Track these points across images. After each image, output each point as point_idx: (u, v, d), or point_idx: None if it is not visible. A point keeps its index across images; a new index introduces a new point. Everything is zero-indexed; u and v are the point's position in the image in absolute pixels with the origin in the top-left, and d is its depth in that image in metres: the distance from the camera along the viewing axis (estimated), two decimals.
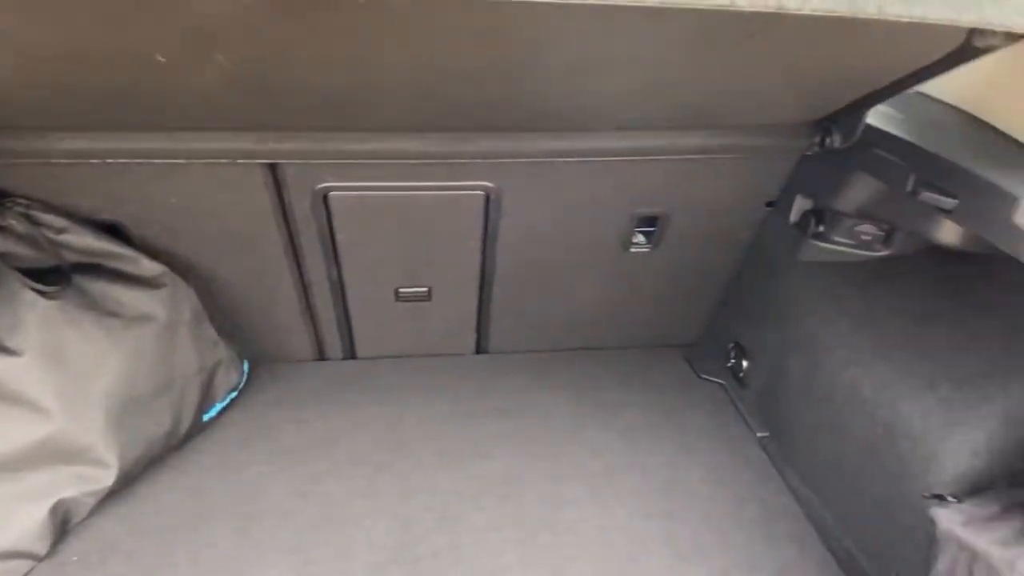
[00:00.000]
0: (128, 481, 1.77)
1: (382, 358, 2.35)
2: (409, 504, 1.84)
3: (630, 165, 1.81)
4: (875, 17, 0.82)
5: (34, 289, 1.63)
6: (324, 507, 1.81)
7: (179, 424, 1.87)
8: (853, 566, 1.72)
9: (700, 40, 1.20)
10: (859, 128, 1.58)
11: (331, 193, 1.79)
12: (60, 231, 1.69)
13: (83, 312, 1.68)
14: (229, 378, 2.03)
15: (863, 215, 1.77)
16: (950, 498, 1.41)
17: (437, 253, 2.04)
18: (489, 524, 1.81)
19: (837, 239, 1.86)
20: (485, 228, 1.96)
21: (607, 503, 1.89)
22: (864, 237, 1.81)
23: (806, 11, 0.79)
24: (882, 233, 1.79)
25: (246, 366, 2.14)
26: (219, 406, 2.02)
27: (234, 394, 2.07)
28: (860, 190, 1.69)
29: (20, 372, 1.58)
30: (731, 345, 2.31)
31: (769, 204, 2.01)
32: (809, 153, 1.76)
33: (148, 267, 1.80)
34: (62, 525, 1.65)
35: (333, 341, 2.27)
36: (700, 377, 2.38)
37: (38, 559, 1.61)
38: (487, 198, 1.87)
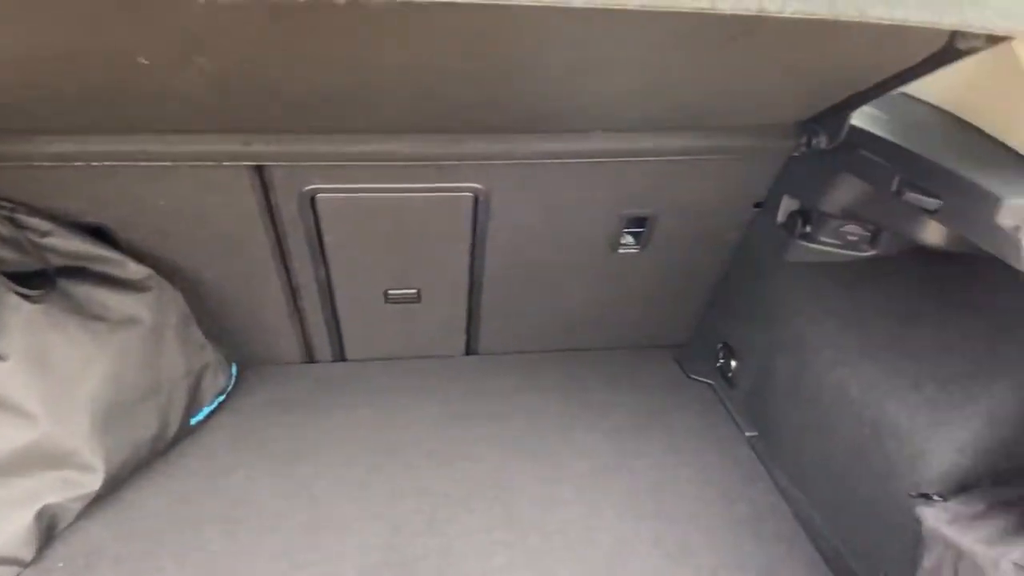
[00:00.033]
0: (115, 486, 1.76)
1: (372, 360, 2.35)
2: (399, 506, 1.84)
3: (618, 166, 1.82)
4: (856, 20, 0.83)
5: (18, 293, 1.62)
6: (313, 510, 1.81)
7: (166, 428, 1.85)
8: (841, 565, 1.73)
9: (686, 43, 1.20)
10: (844, 129, 1.59)
11: (319, 195, 1.78)
12: (45, 234, 1.68)
13: (68, 316, 1.67)
14: (217, 381, 2.02)
15: (849, 216, 1.78)
16: (936, 497, 1.42)
17: (426, 255, 2.04)
18: (479, 526, 1.80)
19: (824, 239, 1.87)
20: (474, 230, 1.96)
21: (596, 504, 1.89)
22: (850, 237, 1.82)
23: (786, 14, 0.80)
24: (868, 234, 1.80)
25: (234, 369, 2.13)
26: (207, 409, 2.01)
27: (222, 397, 2.06)
28: (846, 191, 1.70)
29: (4, 377, 1.57)
30: (720, 345, 2.31)
31: (757, 205, 2.01)
32: (795, 154, 1.77)
33: (134, 270, 1.79)
34: (48, 531, 1.64)
35: (322, 343, 2.26)
36: (689, 377, 2.39)
37: (24, 565, 1.60)
38: (476, 200, 1.87)
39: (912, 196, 1.40)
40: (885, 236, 1.78)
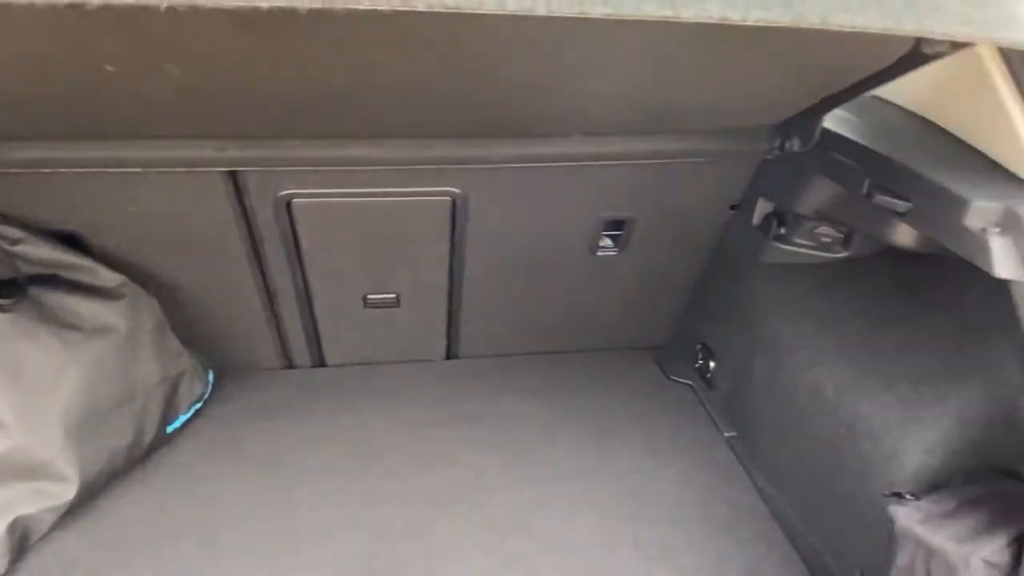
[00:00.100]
0: (89, 495, 1.74)
1: (351, 365, 2.34)
2: (379, 513, 1.83)
3: (595, 170, 1.82)
4: (818, 27, 0.84)
5: None
6: (292, 518, 1.79)
7: (142, 436, 1.83)
8: (818, 563, 1.75)
9: (658, 49, 1.21)
10: (817, 132, 1.61)
11: (294, 200, 1.77)
12: (15, 242, 1.66)
13: (39, 325, 1.65)
14: (193, 388, 2.00)
15: (822, 217, 1.80)
16: (908, 496, 1.44)
17: (405, 259, 2.03)
18: (459, 531, 1.80)
19: (798, 241, 1.88)
20: (452, 234, 1.96)
21: (577, 506, 1.90)
22: (824, 239, 1.84)
23: (749, 22, 0.80)
24: (841, 235, 1.82)
25: (211, 376, 2.11)
26: (183, 417, 1.99)
27: (199, 405, 2.04)
28: (818, 193, 1.72)
29: None
30: (698, 346, 2.33)
31: (733, 207, 2.03)
32: (769, 156, 1.78)
33: (107, 277, 1.77)
34: (21, 542, 1.62)
35: (300, 349, 2.25)
36: (669, 379, 2.40)
37: None
38: (453, 204, 1.86)
39: (882, 199, 1.42)
40: (857, 238, 1.80)
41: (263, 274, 1.96)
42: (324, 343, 2.26)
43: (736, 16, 0.80)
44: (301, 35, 1.05)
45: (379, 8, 0.74)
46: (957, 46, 1.14)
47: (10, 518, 1.57)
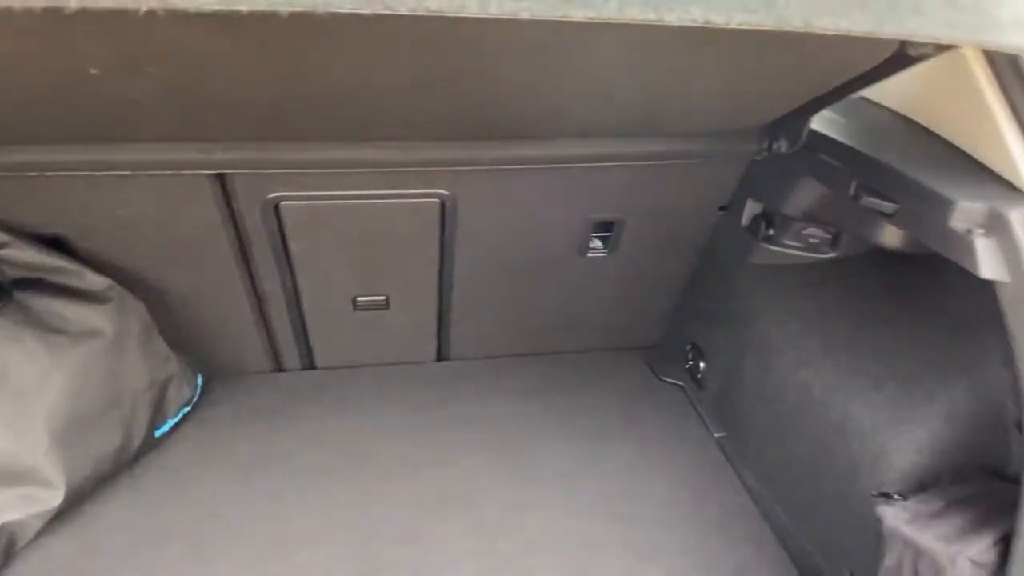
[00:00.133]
0: (77, 501, 1.73)
1: (341, 368, 2.33)
2: (369, 517, 1.83)
3: (585, 172, 1.82)
4: (801, 30, 0.84)
5: None
6: (281, 523, 1.79)
7: (130, 441, 1.82)
8: (808, 563, 1.75)
9: (644, 52, 1.21)
10: (804, 133, 1.61)
11: (282, 203, 1.77)
12: (1, 246, 1.64)
13: (24, 329, 1.64)
14: (182, 392, 1.99)
15: (810, 218, 1.80)
16: (896, 496, 1.45)
17: (394, 261, 2.03)
18: (449, 534, 1.80)
19: (786, 242, 1.89)
20: (442, 236, 1.95)
21: (567, 508, 1.89)
22: (812, 240, 1.85)
23: (733, 25, 0.80)
24: (829, 236, 1.83)
25: (200, 380, 2.10)
26: (172, 421, 1.97)
27: (187, 409, 2.03)
28: (806, 194, 1.72)
29: None
30: (688, 347, 2.33)
31: (722, 208, 2.04)
32: (758, 158, 1.79)
33: (93, 281, 1.75)
34: (7, 548, 1.60)
35: (290, 352, 2.24)
36: (660, 379, 2.40)
37: None
38: (443, 206, 1.86)
39: (869, 200, 1.42)
40: (845, 238, 1.80)
41: (251, 277, 1.95)
42: (314, 346, 2.25)
43: (719, 19, 0.80)
44: (285, 38, 1.04)
45: (361, 12, 0.74)
46: (941, 48, 1.14)
47: None
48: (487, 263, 2.09)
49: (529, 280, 2.18)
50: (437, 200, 1.84)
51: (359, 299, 2.10)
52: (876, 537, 1.44)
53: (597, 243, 2.10)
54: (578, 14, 0.77)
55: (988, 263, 1.20)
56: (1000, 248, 1.20)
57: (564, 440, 2.12)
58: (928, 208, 1.29)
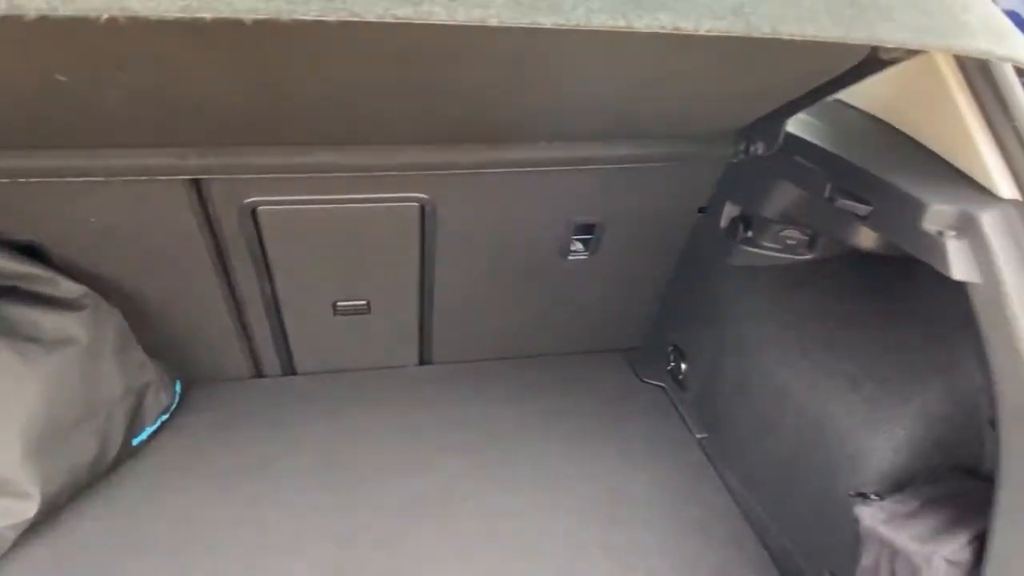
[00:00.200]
0: (52, 511, 1.70)
1: (322, 373, 2.31)
2: (350, 522, 1.81)
3: (564, 175, 1.82)
4: (769, 36, 0.84)
5: None
6: (261, 532, 1.77)
7: (106, 450, 1.80)
8: (789, 564, 1.76)
9: (619, 56, 1.21)
10: (780, 136, 1.62)
11: (259, 208, 1.75)
12: None
13: None
14: (160, 400, 1.96)
15: (787, 220, 1.82)
16: (873, 496, 1.46)
17: (374, 266, 2.02)
18: (430, 540, 1.79)
19: (764, 244, 1.90)
20: (422, 239, 1.95)
21: (550, 512, 1.89)
22: (789, 242, 1.86)
23: (701, 32, 0.80)
24: (806, 238, 1.84)
25: (178, 387, 2.08)
26: (149, 429, 1.95)
27: (165, 416, 2.01)
28: (783, 196, 1.73)
29: None
30: (670, 348, 2.34)
31: (701, 210, 2.04)
32: (735, 160, 1.80)
33: (68, 288, 1.73)
34: None
35: (270, 358, 2.22)
36: (642, 381, 2.41)
37: None
38: (422, 210, 1.85)
39: (843, 202, 1.43)
40: (822, 240, 1.82)
41: (230, 283, 1.94)
42: (294, 351, 2.23)
43: (688, 26, 0.80)
44: (255, 45, 1.03)
45: (326, 19, 0.74)
46: (913, 52, 1.15)
47: None
48: (468, 267, 2.08)
49: (511, 283, 2.18)
50: (416, 204, 1.83)
51: (339, 304, 2.09)
52: (854, 537, 1.45)
53: (578, 246, 2.10)
54: (547, 21, 0.77)
55: (959, 264, 1.21)
56: (971, 250, 1.21)
57: (546, 443, 2.12)
58: (901, 210, 1.31)
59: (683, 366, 2.27)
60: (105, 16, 0.68)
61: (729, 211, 1.95)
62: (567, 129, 1.63)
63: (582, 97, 1.41)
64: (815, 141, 1.57)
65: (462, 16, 0.76)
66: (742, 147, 1.73)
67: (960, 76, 1.28)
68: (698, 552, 1.81)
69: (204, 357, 2.13)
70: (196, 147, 1.54)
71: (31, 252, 1.73)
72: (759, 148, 1.69)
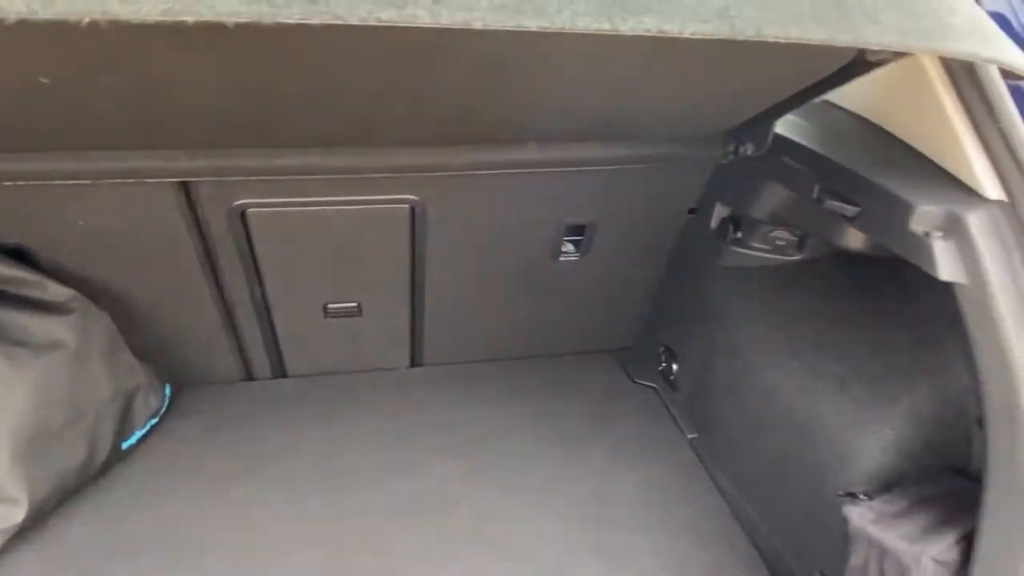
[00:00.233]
0: (40, 517, 1.69)
1: (313, 375, 2.31)
2: (340, 526, 1.81)
3: (555, 176, 1.82)
4: (754, 39, 0.84)
5: None
6: (251, 536, 1.76)
7: (95, 454, 1.79)
8: (779, 563, 1.76)
9: (607, 58, 1.21)
10: (769, 137, 1.63)
11: (249, 210, 1.75)
12: None
13: None
14: (149, 403, 1.95)
15: (777, 221, 1.82)
16: (861, 496, 1.46)
17: (365, 268, 2.01)
18: (420, 543, 1.79)
19: (754, 245, 1.91)
20: (413, 241, 1.94)
21: (541, 514, 1.89)
22: (779, 242, 1.87)
23: (686, 34, 0.80)
24: (795, 239, 1.85)
25: (168, 390, 2.07)
26: (139, 433, 1.94)
27: (155, 420, 2.00)
28: (772, 197, 1.74)
29: None
30: (662, 349, 2.34)
31: (691, 211, 2.05)
32: (724, 161, 1.80)
33: (56, 292, 1.72)
34: None
35: (260, 360, 2.21)
36: (634, 381, 2.41)
37: None
38: (412, 211, 1.85)
39: (832, 203, 1.44)
40: (811, 241, 1.82)
41: (219, 285, 1.93)
42: (285, 354, 2.22)
43: (673, 29, 0.80)
44: (241, 47, 1.03)
45: (309, 22, 0.73)
46: (899, 54, 1.16)
47: None
48: (459, 268, 2.08)
49: (502, 284, 2.17)
50: (407, 206, 1.83)
51: (330, 306, 2.09)
52: (844, 537, 1.45)
53: (569, 247, 2.10)
54: (532, 24, 0.77)
55: (946, 265, 1.22)
56: (958, 250, 1.22)
57: (538, 444, 2.12)
58: (888, 211, 1.31)
59: (674, 366, 2.28)
60: (87, 20, 0.67)
61: (719, 212, 1.96)
62: (556, 131, 1.63)
63: (570, 99, 1.41)
64: (803, 142, 1.57)
65: (446, 19, 0.76)
66: (731, 148, 1.74)
67: (946, 78, 1.28)
68: (689, 552, 1.81)
69: (194, 360, 2.12)
70: (185, 149, 1.54)
71: (19, 255, 1.72)
72: (748, 149, 1.70)
